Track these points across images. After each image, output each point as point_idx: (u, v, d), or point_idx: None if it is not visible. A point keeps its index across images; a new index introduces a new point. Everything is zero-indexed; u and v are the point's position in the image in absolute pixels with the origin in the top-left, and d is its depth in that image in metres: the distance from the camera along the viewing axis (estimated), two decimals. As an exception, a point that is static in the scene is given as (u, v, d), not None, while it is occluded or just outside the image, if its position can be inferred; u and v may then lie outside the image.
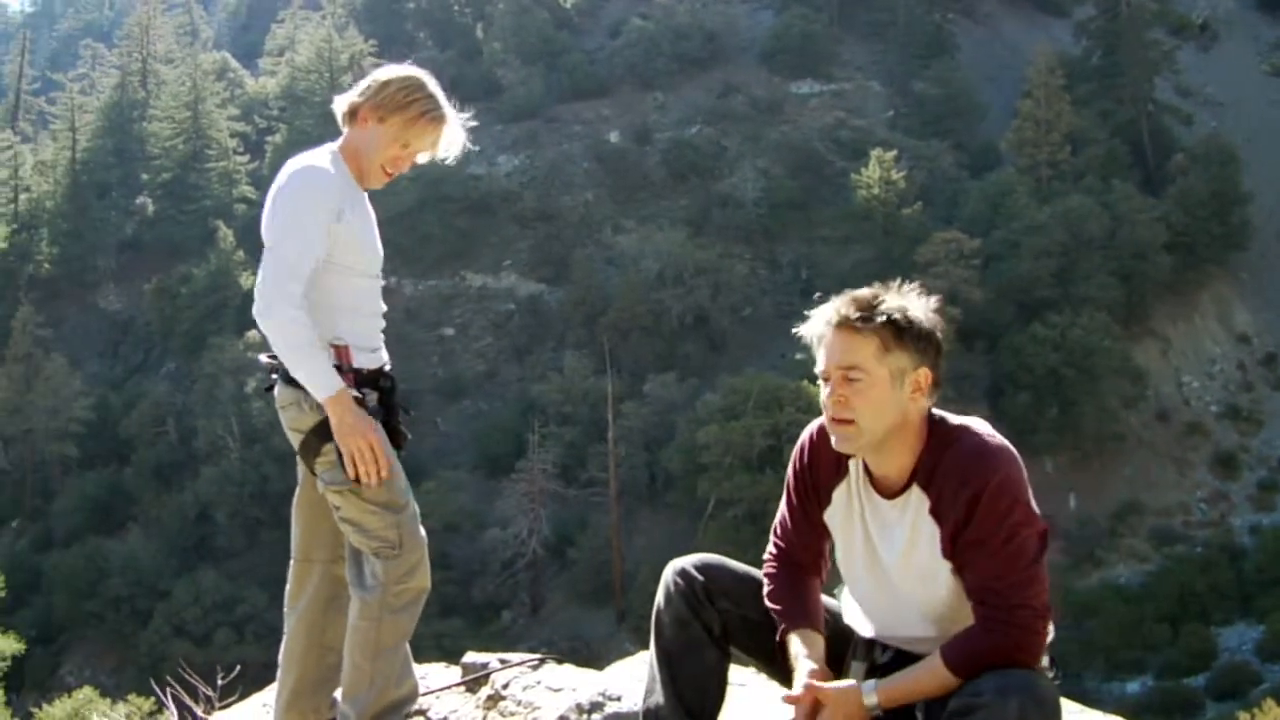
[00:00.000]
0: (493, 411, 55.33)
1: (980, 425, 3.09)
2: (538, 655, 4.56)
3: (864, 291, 3.09)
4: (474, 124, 4.21)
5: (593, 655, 32.11)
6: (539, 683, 4.33)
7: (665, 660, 3.35)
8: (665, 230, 59.12)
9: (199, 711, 5.75)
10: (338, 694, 4.14)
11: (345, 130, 4.08)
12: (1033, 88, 60.76)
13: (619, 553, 45.37)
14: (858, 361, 3.03)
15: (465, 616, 44.36)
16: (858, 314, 3.04)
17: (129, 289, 66.01)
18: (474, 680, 4.55)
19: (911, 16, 72.43)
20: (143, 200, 71.01)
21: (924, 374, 3.05)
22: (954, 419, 3.12)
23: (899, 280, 3.14)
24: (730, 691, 3.55)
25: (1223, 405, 55.07)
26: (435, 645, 33.94)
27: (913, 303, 3.08)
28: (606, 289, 57.19)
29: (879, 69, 72.33)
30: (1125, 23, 64.76)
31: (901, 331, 3.03)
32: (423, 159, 4.15)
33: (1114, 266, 53.84)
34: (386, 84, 4.00)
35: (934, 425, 3.11)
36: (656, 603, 3.41)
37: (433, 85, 4.07)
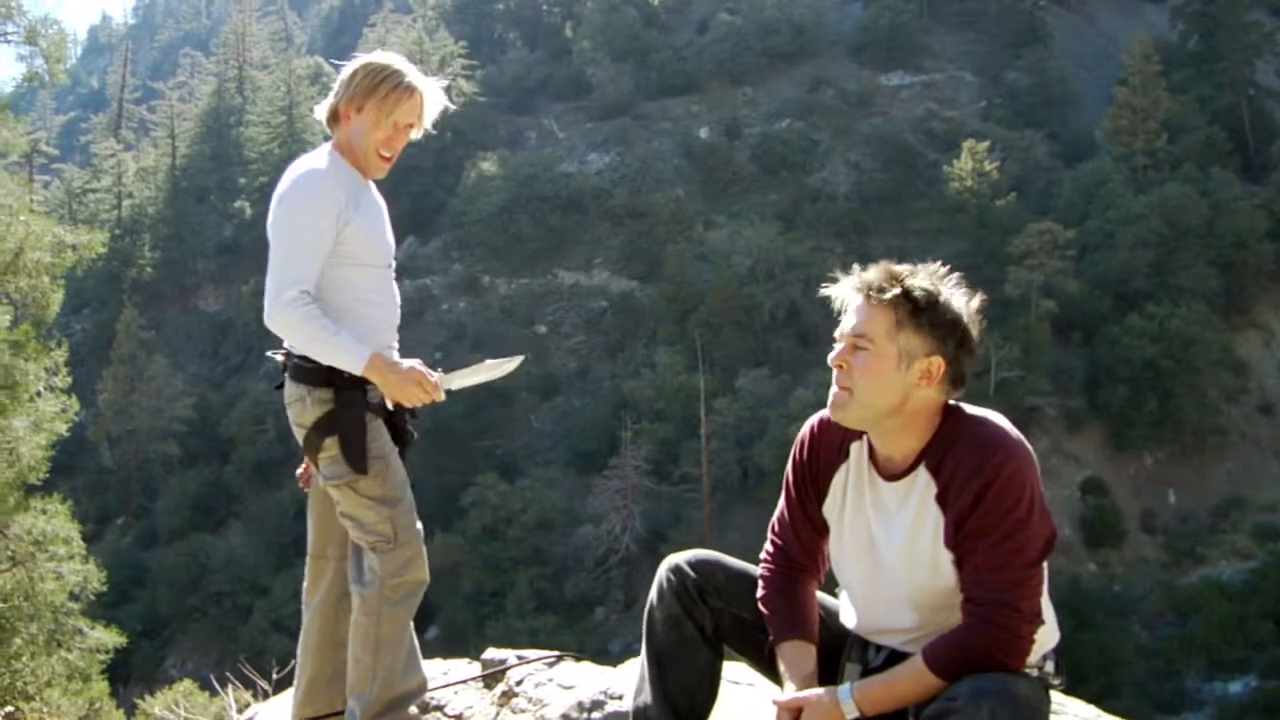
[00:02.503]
0: (585, 408, 55.53)
1: (998, 418, 2.99)
2: (556, 653, 4.57)
3: (899, 266, 3.02)
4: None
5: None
6: (551, 680, 4.35)
7: (655, 658, 3.29)
8: (756, 225, 58.90)
9: (250, 701, 5.90)
10: None
11: (334, 134, 4.16)
12: (1128, 75, 59.72)
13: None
14: (868, 332, 2.97)
15: (559, 613, 44.61)
16: (880, 284, 2.98)
17: (228, 290, 67.20)
18: (490, 676, 4.57)
19: (1003, 5, 71.59)
20: (240, 204, 72.21)
21: (936, 363, 2.96)
22: (971, 409, 3.02)
23: (945, 268, 3.05)
24: (729, 690, 3.49)
25: (1329, 397, 53.83)
26: (530, 641, 34.22)
27: (946, 290, 2.99)
28: (698, 285, 57.09)
29: (970, 59, 71.56)
30: (1223, 5, 63.28)
31: (919, 312, 2.95)
32: (416, 134, 4.19)
33: (1213, 256, 52.80)
34: (353, 76, 4.08)
35: (949, 413, 3.02)
36: (650, 599, 3.36)
37: (397, 61, 4.11)
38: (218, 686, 6.57)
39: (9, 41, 13.65)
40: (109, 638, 13.46)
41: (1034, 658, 3.00)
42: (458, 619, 44.10)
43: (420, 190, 66.75)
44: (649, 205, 63.21)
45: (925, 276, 2.98)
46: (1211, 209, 53.51)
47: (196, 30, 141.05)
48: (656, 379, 52.75)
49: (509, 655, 4.63)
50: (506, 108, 73.60)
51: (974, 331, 2.99)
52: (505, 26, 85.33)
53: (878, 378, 2.96)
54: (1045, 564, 2.99)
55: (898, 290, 2.94)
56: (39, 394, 12.98)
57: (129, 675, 38.83)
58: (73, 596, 13.33)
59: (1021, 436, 2.94)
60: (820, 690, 2.99)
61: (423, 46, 73.76)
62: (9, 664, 12.53)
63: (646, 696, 3.28)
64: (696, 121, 68.60)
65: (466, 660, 4.87)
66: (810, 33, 72.70)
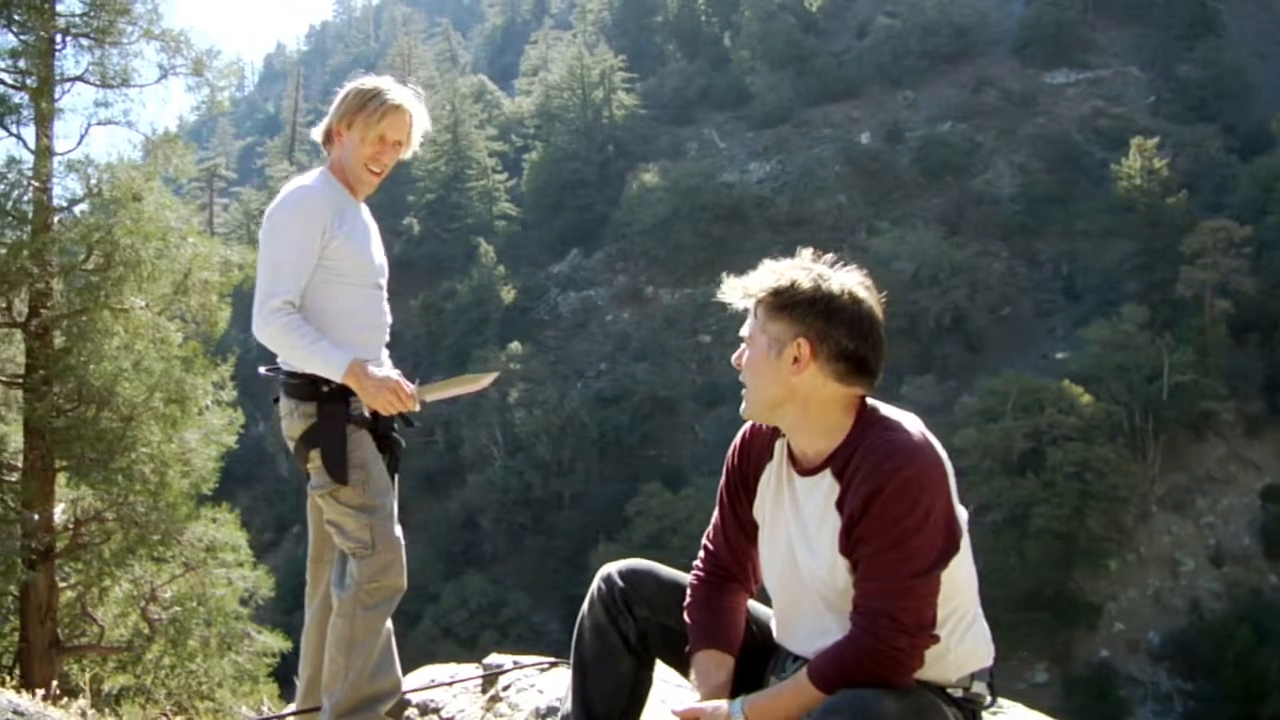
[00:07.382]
0: (749, 417, 55.47)
1: (910, 421, 2.89)
2: (550, 659, 4.61)
3: (783, 263, 2.95)
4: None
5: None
6: (533, 686, 4.39)
7: (580, 668, 3.27)
8: (919, 230, 58.41)
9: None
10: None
11: (328, 154, 4.29)
12: (1308, 64, 57.78)
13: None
14: (749, 331, 2.97)
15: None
16: (755, 284, 2.93)
17: (397, 305, 67.06)
18: (487, 680, 4.66)
19: (1173, -3, 69.89)
20: (409, 220, 73.86)
21: (802, 345, 2.87)
22: (886, 410, 2.93)
23: (834, 259, 2.95)
24: (665, 695, 3.47)
25: None
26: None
27: (805, 272, 2.89)
28: (861, 292, 56.70)
29: (1138, 53, 69.88)
30: None
31: (775, 297, 2.89)
32: (405, 154, 4.31)
33: (1403, 250, 50.76)
34: (344, 97, 4.22)
35: (863, 414, 2.93)
36: (581, 609, 3.32)
37: (384, 81, 4.23)
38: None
39: (178, 74, 14.25)
40: (274, 641, 14.03)
41: (956, 676, 2.92)
42: (623, 627, 44.43)
43: (584, 204, 67.52)
44: (811, 213, 63.06)
45: (788, 265, 2.93)
46: (1400, 201, 51.44)
47: (365, 54, 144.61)
48: (819, 387, 52.45)
49: (507, 660, 4.70)
50: (667, 119, 74.08)
51: (846, 306, 2.87)
52: (664, 38, 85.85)
53: (757, 371, 2.94)
54: (974, 579, 2.91)
55: (764, 289, 2.90)
56: (207, 408, 13.56)
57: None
58: (242, 602, 13.91)
59: (932, 443, 2.85)
60: (718, 702, 2.93)
61: (583, 62, 74.67)
62: (184, 664, 13.15)
63: (569, 705, 3.29)
64: (857, 127, 68.23)
65: (473, 665, 4.95)
66: (972, 33, 71.82)
